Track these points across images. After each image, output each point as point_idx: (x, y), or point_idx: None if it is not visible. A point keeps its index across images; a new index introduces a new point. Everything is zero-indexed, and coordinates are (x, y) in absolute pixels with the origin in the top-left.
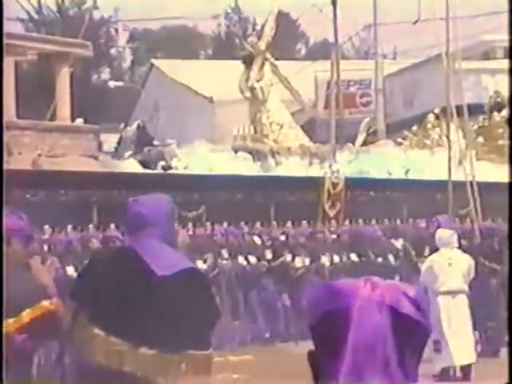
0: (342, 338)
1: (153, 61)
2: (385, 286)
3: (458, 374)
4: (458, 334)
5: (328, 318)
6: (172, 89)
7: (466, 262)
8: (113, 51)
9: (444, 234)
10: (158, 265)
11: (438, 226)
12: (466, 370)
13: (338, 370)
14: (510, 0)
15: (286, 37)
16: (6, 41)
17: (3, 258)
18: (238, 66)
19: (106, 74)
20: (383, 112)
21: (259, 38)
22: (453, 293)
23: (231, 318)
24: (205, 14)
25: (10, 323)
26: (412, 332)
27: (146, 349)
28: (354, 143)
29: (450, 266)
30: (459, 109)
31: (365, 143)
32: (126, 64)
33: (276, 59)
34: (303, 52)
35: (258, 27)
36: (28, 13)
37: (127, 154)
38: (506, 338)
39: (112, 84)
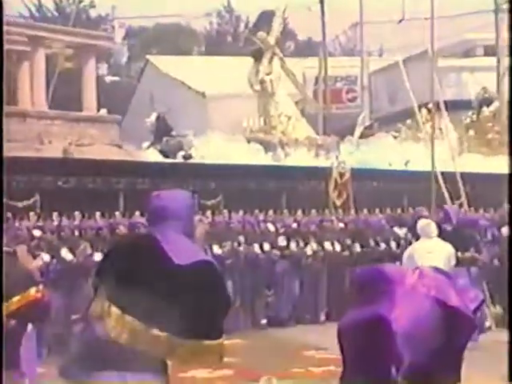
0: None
1: (148, 57)
2: (433, 277)
3: None
4: None
5: (372, 301)
6: (166, 84)
7: (445, 249)
8: None
9: (422, 223)
10: (175, 254)
11: (447, 214)
12: None
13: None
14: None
15: None
16: (35, 33)
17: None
18: (230, 62)
19: (103, 69)
20: (369, 107)
21: (268, 33)
22: None
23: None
24: (198, 12)
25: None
26: (459, 325)
27: (158, 331)
28: (343, 137)
29: (430, 254)
30: (448, 104)
31: (361, 136)
32: (123, 60)
33: None
34: (292, 49)
35: (250, 25)
36: (29, 10)
37: (146, 143)
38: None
39: (109, 79)
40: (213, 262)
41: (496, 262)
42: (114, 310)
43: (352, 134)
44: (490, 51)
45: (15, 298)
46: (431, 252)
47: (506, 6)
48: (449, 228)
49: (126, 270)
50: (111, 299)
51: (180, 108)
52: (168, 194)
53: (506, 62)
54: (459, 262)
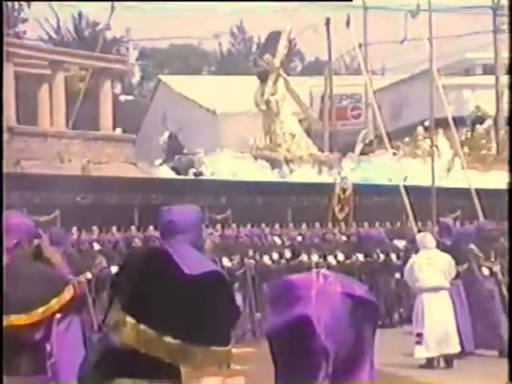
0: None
1: (160, 76)
2: (335, 276)
3: (442, 363)
4: (439, 327)
5: (289, 306)
6: (178, 102)
7: (445, 260)
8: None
9: (420, 236)
10: (186, 264)
11: (447, 226)
12: (449, 359)
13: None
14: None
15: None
16: (55, 57)
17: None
18: (240, 81)
19: (117, 88)
20: (373, 124)
21: (273, 55)
22: (434, 289)
23: (252, 312)
24: (208, 33)
25: (38, 312)
26: (368, 311)
27: (171, 338)
28: (347, 153)
29: (429, 265)
30: (443, 121)
31: (362, 153)
32: (136, 79)
33: None
34: (299, 69)
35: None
36: (47, 33)
37: (159, 161)
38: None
39: (123, 98)
40: (222, 272)
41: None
42: (129, 319)
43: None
44: (488, 70)
45: (53, 301)
46: (430, 263)
47: (504, 27)
48: (448, 241)
49: (139, 281)
50: (126, 309)
51: (192, 125)
52: (177, 208)
53: (504, 80)
54: (458, 274)
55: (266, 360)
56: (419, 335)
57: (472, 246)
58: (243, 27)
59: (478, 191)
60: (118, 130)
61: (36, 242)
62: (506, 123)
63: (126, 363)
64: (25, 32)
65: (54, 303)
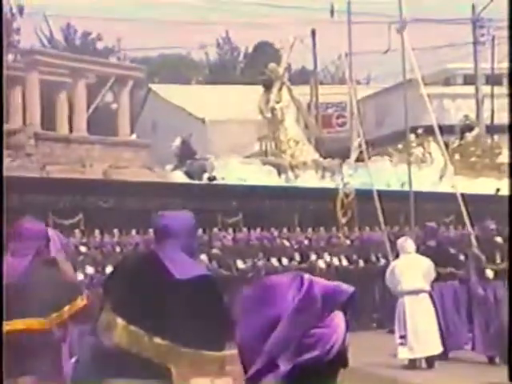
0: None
1: (150, 85)
2: (310, 277)
3: (424, 364)
4: (421, 329)
5: (260, 309)
6: (168, 110)
7: (424, 264)
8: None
9: (400, 241)
10: (176, 269)
11: (425, 232)
12: (430, 360)
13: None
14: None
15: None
16: (74, 64)
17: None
18: (228, 90)
19: (109, 97)
20: (357, 132)
21: (278, 64)
22: (415, 292)
23: None
24: (196, 44)
25: (53, 317)
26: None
27: (160, 339)
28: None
29: (410, 269)
30: (432, 129)
31: (357, 159)
32: (127, 88)
33: (259, 84)
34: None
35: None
36: (41, 41)
37: (169, 166)
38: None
39: (114, 106)
40: (212, 276)
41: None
42: (119, 320)
43: (342, 156)
44: (468, 80)
45: (66, 308)
46: (410, 267)
47: (483, 39)
48: (432, 244)
49: (130, 283)
50: (117, 311)
51: (181, 133)
52: (170, 214)
53: (483, 90)
54: (440, 277)
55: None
56: (402, 337)
57: (474, 248)
58: (229, 38)
59: (467, 196)
60: (134, 136)
61: (53, 253)
62: (485, 131)
63: (118, 363)
64: (19, 41)
65: (67, 310)
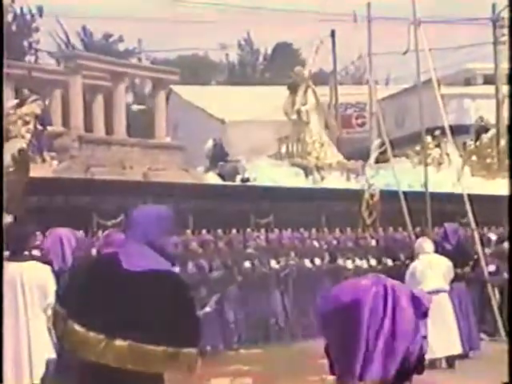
0: (354, 331)
1: (171, 86)
2: (391, 282)
3: (444, 364)
4: (441, 329)
5: (342, 312)
6: (188, 111)
7: (444, 264)
8: (136, 79)
9: (418, 242)
10: (127, 261)
11: (445, 232)
12: (451, 360)
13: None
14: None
15: (290, 65)
16: (115, 68)
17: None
18: (247, 91)
19: (129, 98)
20: (377, 132)
21: (302, 66)
22: (434, 292)
23: (299, 316)
24: (215, 45)
25: None
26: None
27: (121, 340)
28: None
29: (429, 269)
30: (453, 129)
31: (377, 161)
32: (148, 90)
33: (280, 84)
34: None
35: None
36: (59, 46)
37: (201, 168)
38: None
39: (135, 107)
40: (172, 271)
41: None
42: (77, 328)
43: (361, 157)
44: (488, 80)
45: None
46: (431, 267)
47: (503, 39)
48: (448, 246)
49: (82, 288)
50: (72, 319)
51: (201, 134)
52: (144, 207)
53: (504, 90)
54: (457, 277)
55: (273, 361)
56: (423, 337)
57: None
58: (250, 39)
59: (484, 197)
60: (168, 139)
61: (67, 253)
62: (506, 132)
63: (106, 379)
64: (38, 41)
65: None
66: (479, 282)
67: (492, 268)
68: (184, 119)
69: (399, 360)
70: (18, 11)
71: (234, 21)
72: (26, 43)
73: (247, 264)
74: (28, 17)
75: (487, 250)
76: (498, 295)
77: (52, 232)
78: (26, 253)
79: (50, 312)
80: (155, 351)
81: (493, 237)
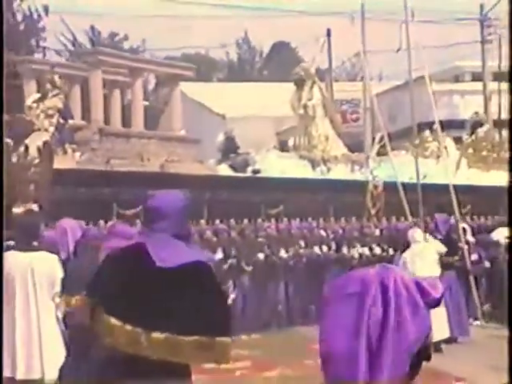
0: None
1: None
2: (396, 272)
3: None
4: (431, 315)
5: (346, 302)
6: (190, 107)
7: (433, 250)
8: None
9: (410, 232)
10: (160, 257)
11: (435, 222)
12: (437, 345)
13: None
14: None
15: (287, 62)
16: (133, 64)
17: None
18: (247, 87)
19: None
20: (371, 127)
21: (299, 64)
22: None
23: (308, 303)
24: (216, 43)
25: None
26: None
27: (158, 333)
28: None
29: (419, 258)
30: (445, 124)
31: (378, 153)
32: (151, 86)
33: (278, 81)
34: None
35: (264, 55)
36: (65, 45)
37: (213, 160)
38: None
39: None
40: (203, 262)
41: (487, 263)
42: (114, 322)
43: (356, 150)
44: (476, 77)
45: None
46: (420, 256)
47: (490, 38)
48: (439, 235)
49: (117, 282)
50: (109, 313)
51: (202, 128)
52: (162, 194)
53: (490, 86)
54: (448, 266)
55: (272, 346)
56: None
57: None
58: (248, 38)
59: (482, 188)
60: (183, 132)
61: (70, 244)
62: (493, 126)
63: (132, 368)
64: (45, 39)
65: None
66: (466, 271)
67: (474, 257)
68: (186, 114)
69: (411, 353)
70: (27, 11)
71: (233, 20)
72: (33, 42)
73: (258, 252)
74: (35, 16)
75: (472, 240)
76: (484, 283)
77: (59, 223)
78: (36, 243)
79: (57, 300)
80: (191, 342)
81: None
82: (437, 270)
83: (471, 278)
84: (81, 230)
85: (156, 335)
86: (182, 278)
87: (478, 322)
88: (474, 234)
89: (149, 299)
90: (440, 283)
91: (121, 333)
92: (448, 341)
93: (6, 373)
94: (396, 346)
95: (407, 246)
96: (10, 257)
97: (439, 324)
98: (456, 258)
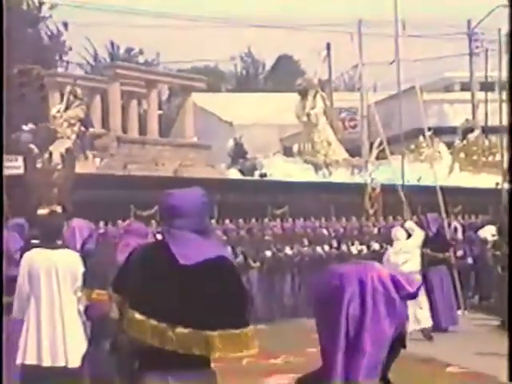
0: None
1: None
2: (375, 267)
3: (420, 335)
4: (413, 306)
5: (327, 296)
6: (200, 115)
7: (414, 246)
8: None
9: (394, 230)
10: (182, 255)
11: (427, 221)
12: (426, 331)
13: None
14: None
15: (290, 74)
16: (149, 76)
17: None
18: (252, 97)
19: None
20: (367, 133)
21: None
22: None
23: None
24: (224, 56)
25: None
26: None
27: (182, 328)
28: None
29: (402, 254)
30: (438, 131)
31: (377, 157)
32: (165, 97)
33: (281, 92)
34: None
35: (267, 68)
36: (86, 59)
37: (224, 164)
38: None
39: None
40: (224, 257)
41: (470, 260)
42: (139, 317)
43: (353, 155)
44: (465, 87)
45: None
46: (402, 252)
47: (477, 51)
48: (430, 233)
49: (141, 278)
50: (134, 309)
51: (212, 135)
52: (179, 192)
53: (478, 95)
54: (439, 261)
55: (276, 336)
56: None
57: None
58: (251, 52)
59: (472, 190)
60: (195, 139)
61: (78, 242)
62: (481, 132)
63: (153, 357)
64: (67, 52)
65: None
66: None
67: (460, 253)
68: (196, 122)
69: (388, 342)
70: (52, 28)
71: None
72: (56, 56)
73: (265, 250)
74: (56, 31)
75: (460, 237)
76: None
77: (70, 223)
78: (59, 242)
79: (79, 294)
80: (217, 336)
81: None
82: (418, 265)
83: (455, 272)
84: (88, 229)
85: (180, 330)
86: (205, 273)
87: (466, 313)
88: (464, 232)
89: (173, 295)
90: (417, 279)
91: (146, 327)
92: (439, 330)
93: (32, 361)
94: (373, 340)
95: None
96: (36, 254)
97: (422, 314)
98: (447, 254)
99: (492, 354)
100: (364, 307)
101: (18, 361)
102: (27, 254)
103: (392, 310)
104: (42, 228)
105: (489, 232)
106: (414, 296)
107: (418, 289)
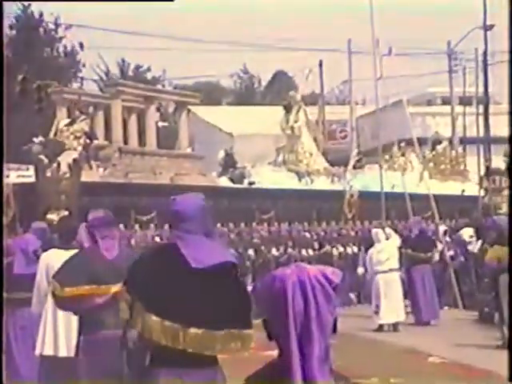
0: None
1: (189, 107)
2: (307, 268)
3: (390, 328)
4: (390, 301)
5: (273, 297)
6: (203, 127)
7: (393, 247)
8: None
9: (374, 232)
10: (193, 258)
11: (408, 224)
12: (395, 325)
13: (286, 333)
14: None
15: (285, 89)
16: (147, 93)
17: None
18: (251, 110)
19: (156, 116)
20: (356, 144)
21: (296, 91)
22: (386, 272)
23: None
24: (225, 73)
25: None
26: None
27: (196, 329)
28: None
29: (382, 254)
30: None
31: (354, 167)
32: (171, 109)
33: (278, 105)
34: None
35: (263, 83)
36: (99, 75)
37: (215, 173)
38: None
39: (160, 124)
40: (232, 262)
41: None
42: (154, 318)
43: (344, 163)
44: (446, 101)
45: (118, 285)
46: (382, 252)
47: (456, 68)
48: (412, 234)
49: (154, 280)
50: (148, 310)
51: (213, 145)
52: (181, 198)
53: (457, 109)
54: (422, 260)
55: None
56: (377, 307)
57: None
58: (247, 69)
59: (440, 196)
60: (189, 150)
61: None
62: (459, 142)
63: (167, 355)
64: (81, 68)
65: (118, 287)
66: (444, 265)
67: (451, 253)
68: (199, 133)
69: (331, 328)
70: (68, 47)
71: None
72: (71, 73)
73: (253, 251)
74: (71, 50)
75: (447, 239)
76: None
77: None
78: (75, 242)
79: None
80: (223, 335)
81: (442, 228)
82: (395, 264)
83: (451, 271)
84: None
85: (194, 330)
86: (215, 277)
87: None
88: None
89: (185, 297)
90: (338, 271)
91: (160, 328)
92: (421, 323)
93: (49, 352)
94: (319, 328)
95: (371, 244)
96: (53, 254)
97: (398, 308)
98: (429, 254)
99: (467, 345)
100: (307, 301)
101: (37, 351)
102: (45, 254)
103: (329, 299)
104: (59, 231)
105: (467, 234)
106: (340, 286)
107: (342, 279)
